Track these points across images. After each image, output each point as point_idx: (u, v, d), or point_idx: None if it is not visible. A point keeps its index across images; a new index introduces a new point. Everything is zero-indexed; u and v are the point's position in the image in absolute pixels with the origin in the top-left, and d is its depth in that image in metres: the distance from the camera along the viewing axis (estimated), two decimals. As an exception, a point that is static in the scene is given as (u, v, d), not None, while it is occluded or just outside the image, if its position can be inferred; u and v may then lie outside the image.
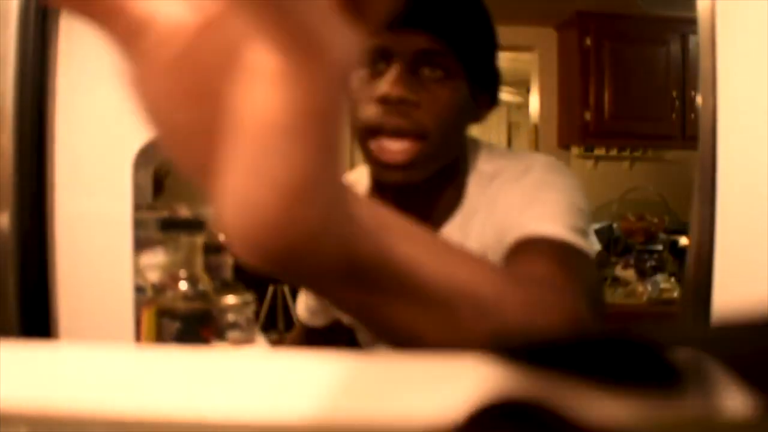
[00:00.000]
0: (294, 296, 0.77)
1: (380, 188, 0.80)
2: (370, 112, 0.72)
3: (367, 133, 0.73)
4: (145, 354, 0.25)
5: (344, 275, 0.29)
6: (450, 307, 0.34)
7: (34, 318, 0.55)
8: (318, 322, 1.03)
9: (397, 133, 0.71)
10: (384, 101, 0.71)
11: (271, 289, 4.38)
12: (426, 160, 0.74)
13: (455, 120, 0.76)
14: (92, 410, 0.21)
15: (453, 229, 0.79)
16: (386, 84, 0.71)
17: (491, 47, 0.80)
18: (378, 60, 0.74)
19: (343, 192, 0.26)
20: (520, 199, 0.73)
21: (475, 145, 0.85)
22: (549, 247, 0.65)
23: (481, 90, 0.79)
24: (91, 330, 0.58)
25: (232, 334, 0.71)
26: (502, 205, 0.75)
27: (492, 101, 0.83)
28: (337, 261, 0.27)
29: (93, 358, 0.24)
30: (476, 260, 0.41)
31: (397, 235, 0.32)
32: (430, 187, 0.78)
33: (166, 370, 0.23)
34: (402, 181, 0.74)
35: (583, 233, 0.69)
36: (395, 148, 0.72)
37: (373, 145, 0.73)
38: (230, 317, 0.71)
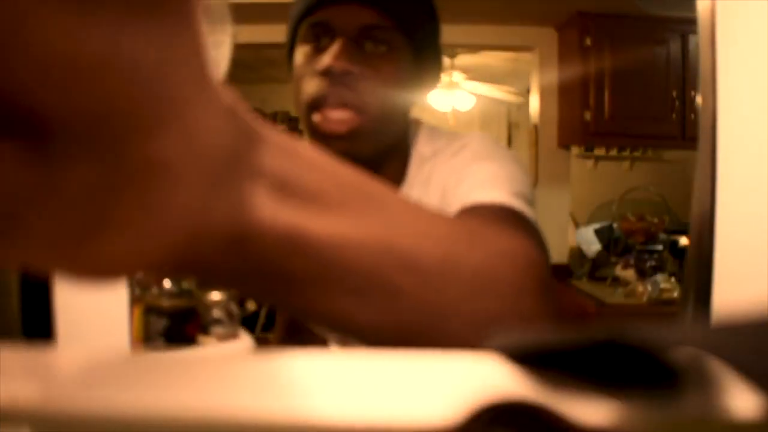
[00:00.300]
0: None
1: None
2: (313, 84, 0.72)
3: (310, 107, 0.73)
4: (144, 354, 0.25)
5: (240, 272, 0.24)
6: (389, 290, 0.28)
7: (35, 318, 0.55)
8: None
9: (339, 104, 0.71)
10: (327, 73, 0.71)
11: (271, 289, 4.38)
12: (368, 133, 0.73)
13: (398, 95, 0.76)
14: (92, 410, 0.21)
15: None
16: (329, 57, 0.71)
17: (434, 24, 0.81)
18: (322, 35, 0.74)
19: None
20: (456, 174, 0.71)
21: (418, 126, 0.84)
22: (491, 213, 0.60)
23: (425, 66, 0.80)
24: (88, 330, 0.58)
25: (217, 330, 0.72)
26: (435, 182, 0.75)
27: (434, 79, 0.84)
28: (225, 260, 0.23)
29: (93, 358, 0.24)
30: (412, 213, 0.32)
31: (308, 206, 0.25)
32: (373, 168, 0.74)
33: (165, 370, 0.23)
34: (344, 152, 0.70)
35: (526, 200, 0.65)
36: (337, 117, 0.72)
37: (317, 117, 0.73)
38: (214, 313, 0.72)
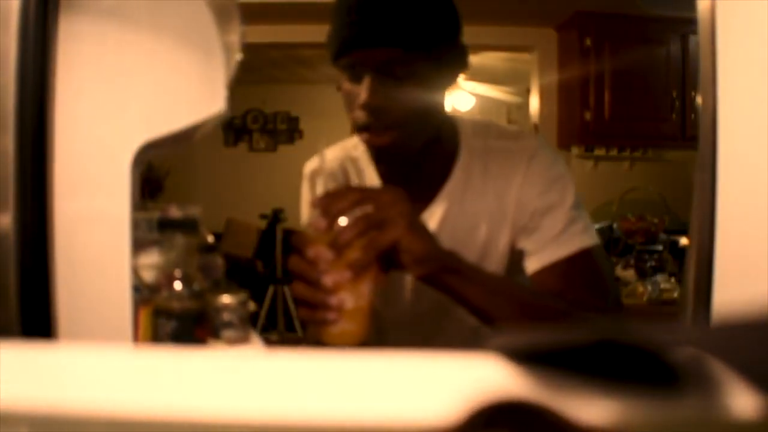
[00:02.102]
0: (294, 297, 0.79)
1: (378, 161, 0.99)
2: (358, 114, 0.89)
3: (359, 130, 0.91)
4: (144, 354, 0.25)
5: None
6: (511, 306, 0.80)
7: (35, 318, 0.55)
8: None
9: (380, 130, 0.88)
10: (365, 108, 0.87)
11: (271, 289, 4.38)
12: (409, 137, 0.90)
13: (431, 99, 0.92)
14: (92, 410, 0.21)
15: (448, 194, 0.97)
16: (364, 94, 0.86)
17: (455, 34, 0.93)
18: (356, 72, 0.89)
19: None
20: (527, 198, 0.94)
21: (456, 118, 1.02)
22: (570, 269, 0.91)
23: (451, 70, 0.95)
24: (89, 329, 0.58)
25: (227, 333, 0.72)
26: (495, 182, 0.96)
27: (462, 67, 0.97)
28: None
29: (92, 359, 0.24)
30: (531, 295, 0.89)
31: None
32: (422, 157, 0.94)
33: (165, 370, 0.23)
34: (392, 153, 0.91)
35: (591, 224, 0.95)
36: (380, 138, 0.89)
37: (364, 136, 0.91)
38: (225, 316, 0.71)
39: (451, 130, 1.00)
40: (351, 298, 0.76)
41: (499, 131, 1.01)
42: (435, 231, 0.90)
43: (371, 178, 1.03)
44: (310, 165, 1.10)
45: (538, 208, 0.93)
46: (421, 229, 0.79)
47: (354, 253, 0.75)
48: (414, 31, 0.87)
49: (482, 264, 0.94)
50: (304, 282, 0.76)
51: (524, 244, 0.94)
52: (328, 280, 0.75)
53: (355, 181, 1.04)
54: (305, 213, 1.10)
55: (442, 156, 0.98)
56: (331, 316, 0.75)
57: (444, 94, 0.98)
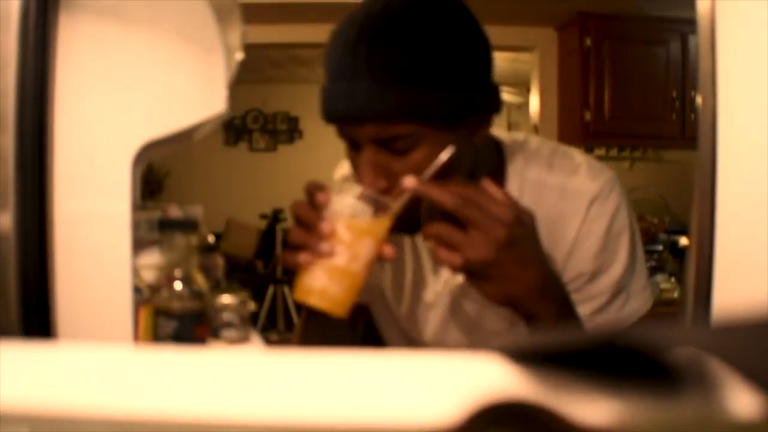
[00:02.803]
0: (288, 242, 0.76)
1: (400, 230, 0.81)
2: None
3: None
4: (144, 354, 0.25)
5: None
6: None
7: (35, 318, 0.55)
8: (360, 298, 0.98)
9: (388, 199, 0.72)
10: (361, 199, 0.70)
11: (271, 289, 4.38)
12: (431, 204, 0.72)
13: (442, 169, 0.73)
14: (92, 410, 0.21)
15: None
16: (364, 178, 0.73)
17: (453, 89, 0.73)
18: (355, 145, 0.76)
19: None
20: (589, 266, 0.83)
21: (511, 147, 0.87)
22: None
23: (461, 119, 0.75)
24: (89, 329, 0.58)
25: (227, 333, 0.72)
26: (564, 256, 0.82)
27: (489, 110, 0.79)
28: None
29: (93, 359, 0.24)
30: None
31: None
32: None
33: (166, 370, 0.23)
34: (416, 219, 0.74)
35: (638, 288, 0.87)
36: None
37: None
38: (225, 316, 0.71)
39: (493, 160, 0.85)
40: (345, 254, 0.67)
41: (560, 162, 0.85)
42: None
43: None
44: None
45: (586, 271, 0.82)
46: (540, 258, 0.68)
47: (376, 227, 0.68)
48: (404, 102, 0.70)
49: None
50: (302, 227, 0.69)
51: None
52: (326, 225, 0.67)
53: None
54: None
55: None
56: (318, 253, 0.66)
57: (472, 140, 0.78)
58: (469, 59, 0.74)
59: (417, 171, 0.71)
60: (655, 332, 0.19)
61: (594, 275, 0.83)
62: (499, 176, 0.84)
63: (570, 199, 0.82)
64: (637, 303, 0.86)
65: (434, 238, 0.67)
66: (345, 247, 0.67)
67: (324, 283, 0.67)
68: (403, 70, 0.70)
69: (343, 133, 0.76)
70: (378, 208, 0.69)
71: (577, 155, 0.87)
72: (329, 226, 0.67)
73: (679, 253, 2.81)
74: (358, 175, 0.76)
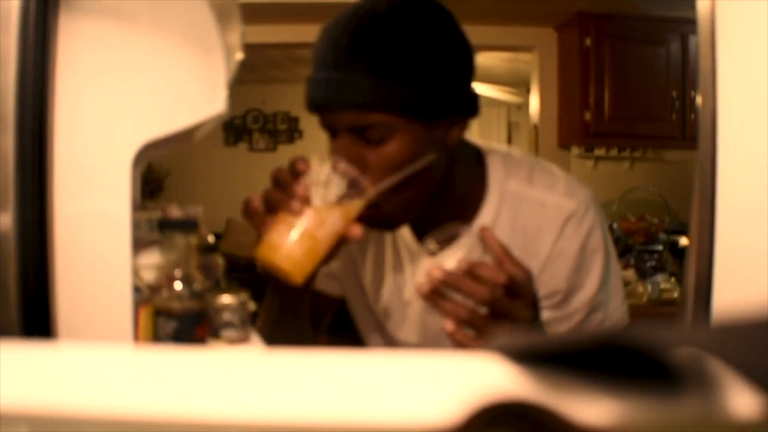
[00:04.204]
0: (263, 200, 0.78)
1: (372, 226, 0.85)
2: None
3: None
4: (144, 354, 0.25)
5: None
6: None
7: (35, 318, 0.55)
8: (333, 290, 1.00)
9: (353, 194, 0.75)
10: (335, 171, 0.74)
11: (271, 289, 4.38)
12: (401, 207, 0.80)
13: (413, 164, 0.77)
14: (92, 410, 0.21)
15: (468, 241, 0.82)
16: (335, 162, 0.74)
17: (428, 86, 0.77)
18: (334, 134, 0.80)
19: None
20: (564, 284, 0.85)
21: (493, 157, 0.89)
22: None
23: (436, 117, 0.78)
24: (89, 329, 0.58)
25: (227, 333, 0.72)
26: (538, 270, 0.81)
27: (466, 113, 0.83)
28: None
29: (93, 359, 0.24)
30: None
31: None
32: (434, 207, 0.83)
33: (166, 370, 0.23)
34: (387, 224, 0.84)
35: (615, 306, 0.89)
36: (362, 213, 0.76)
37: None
38: (225, 316, 0.71)
39: (474, 170, 0.87)
40: (313, 218, 0.70)
41: (540, 176, 0.88)
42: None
43: None
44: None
45: (560, 289, 0.84)
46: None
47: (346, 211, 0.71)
48: (381, 89, 0.74)
49: None
50: (278, 188, 0.72)
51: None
52: (300, 187, 0.70)
53: None
54: None
55: (462, 200, 0.86)
56: (288, 208, 0.69)
57: (434, 154, 0.79)
58: (446, 60, 0.78)
59: (390, 162, 0.76)
60: (655, 332, 0.19)
61: (568, 294, 0.85)
62: (479, 186, 0.87)
63: (547, 214, 0.85)
64: (614, 321, 0.88)
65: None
66: (314, 212, 0.71)
67: (289, 243, 0.70)
68: (379, 62, 0.75)
69: (324, 122, 0.80)
70: (352, 185, 0.73)
71: (557, 171, 0.91)
72: (303, 189, 0.71)
73: (679, 253, 2.81)
74: (332, 161, 0.77)
